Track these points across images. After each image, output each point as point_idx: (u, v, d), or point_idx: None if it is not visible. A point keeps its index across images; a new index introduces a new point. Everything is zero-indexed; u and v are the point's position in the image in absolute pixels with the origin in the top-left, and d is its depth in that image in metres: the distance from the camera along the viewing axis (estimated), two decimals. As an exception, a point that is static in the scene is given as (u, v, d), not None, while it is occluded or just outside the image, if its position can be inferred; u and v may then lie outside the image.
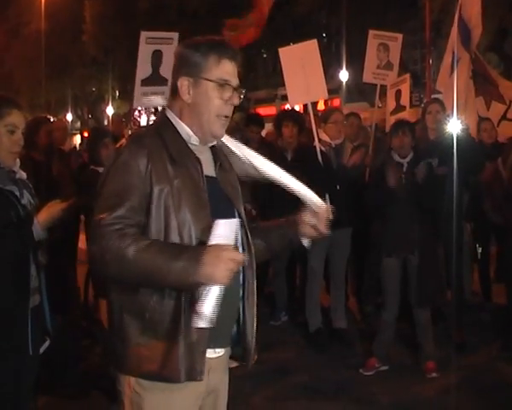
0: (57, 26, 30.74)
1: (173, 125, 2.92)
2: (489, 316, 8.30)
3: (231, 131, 7.85)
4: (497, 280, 8.71)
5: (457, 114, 7.53)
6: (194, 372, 2.77)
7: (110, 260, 2.64)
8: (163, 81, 7.61)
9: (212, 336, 2.83)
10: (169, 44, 7.68)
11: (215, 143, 3.02)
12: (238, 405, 5.95)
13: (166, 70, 7.52)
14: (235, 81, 2.92)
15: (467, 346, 7.30)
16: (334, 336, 7.65)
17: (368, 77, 9.82)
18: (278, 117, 9.20)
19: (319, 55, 8.17)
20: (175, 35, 7.87)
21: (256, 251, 3.14)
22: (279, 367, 7.02)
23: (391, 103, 9.69)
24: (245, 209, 7.48)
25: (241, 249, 2.98)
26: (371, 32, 9.77)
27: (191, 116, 2.89)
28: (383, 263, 6.58)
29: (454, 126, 7.40)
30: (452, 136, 7.15)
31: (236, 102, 2.94)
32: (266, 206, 8.22)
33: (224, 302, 2.78)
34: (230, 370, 6.71)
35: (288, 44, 9.98)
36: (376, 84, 9.72)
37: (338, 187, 7.43)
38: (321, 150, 7.54)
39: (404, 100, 9.57)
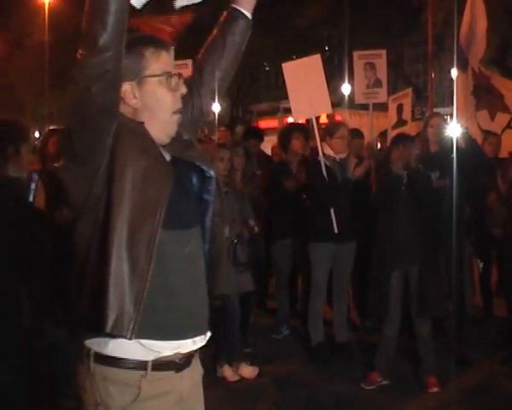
0: (60, 37, 30.79)
1: None
2: (490, 330, 8.28)
3: (234, 145, 7.94)
4: (498, 294, 8.72)
5: (457, 125, 7.58)
6: (120, 325, 2.49)
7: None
8: None
9: (184, 322, 2.67)
10: None
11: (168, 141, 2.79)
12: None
13: None
14: (175, 71, 2.77)
15: (468, 360, 7.29)
16: (336, 350, 7.64)
17: (359, 98, 9.95)
18: (287, 130, 9.17)
19: (323, 70, 8.19)
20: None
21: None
22: (280, 381, 7.04)
23: (392, 117, 9.75)
24: (247, 225, 7.53)
25: (213, 201, 2.85)
26: (355, 54, 9.95)
27: (145, 117, 2.71)
28: (386, 277, 6.58)
29: (454, 131, 7.41)
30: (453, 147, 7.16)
31: (184, 90, 2.78)
32: (269, 222, 8.27)
33: (193, 277, 2.72)
34: (232, 383, 6.78)
35: (291, 57, 10.01)
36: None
37: (343, 202, 7.47)
38: (325, 165, 7.55)
39: (406, 114, 9.65)
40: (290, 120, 11.26)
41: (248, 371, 7.03)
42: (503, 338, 7.66)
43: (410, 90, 10.09)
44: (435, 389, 6.56)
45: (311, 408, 6.33)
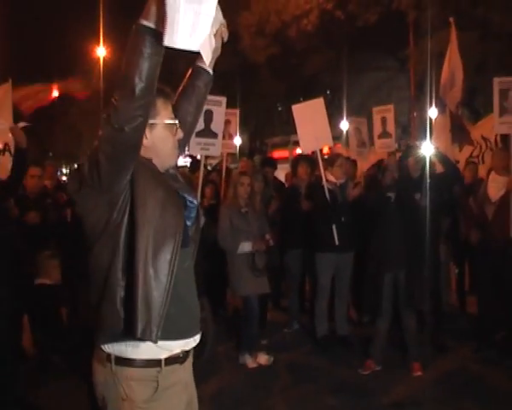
0: (112, 84, 30.95)
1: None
2: (464, 323, 8.26)
3: (255, 172, 7.96)
4: (471, 293, 8.67)
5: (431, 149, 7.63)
6: (149, 331, 2.52)
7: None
8: (213, 135, 7.90)
9: (189, 324, 2.74)
10: (218, 106, 7.87)
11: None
12: (258, 394, 6.15)
13: (216, 126, 7.89)
14: (175, 118, 2.81)
15: (446, 348, 7.31)
16: (338, 341, 7.63)
17: (353, 153, 10.31)
18: (295, 160, 9.39)
19: (325, 110, 8.24)
20: (223, 99, 8.02)
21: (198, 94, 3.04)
22: (291, 366, 7.03)
23: (377, 127, 9.77)
24: (264, 238, 7.46)
25: (192, 225, 2.80)
26: (349, 119, 10.19)
27: (152, 154, 2.71)
28: (379, 279, 6.57)
29: (428, 154, 7.42)
30: (430, 171, 7.13)
31: (181, 135, 2.82)
32: (282, 235, 8.26)
33: (191, 286, 2.77)
34: (251, 369, 6.75)
35: (299, 99, 10.03)
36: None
37: (343, 219, 7.48)
38: (328, 189, 7.59)
39: (390, 128, 9.65)
40: (299, 151, 11.29)
41: (265, 359, 7.03)
42: (473, 330, 7.62)
43: (391, 105, 10.02)
44: (419, 373, 6.57)
45: (316, 389, 6.30)
